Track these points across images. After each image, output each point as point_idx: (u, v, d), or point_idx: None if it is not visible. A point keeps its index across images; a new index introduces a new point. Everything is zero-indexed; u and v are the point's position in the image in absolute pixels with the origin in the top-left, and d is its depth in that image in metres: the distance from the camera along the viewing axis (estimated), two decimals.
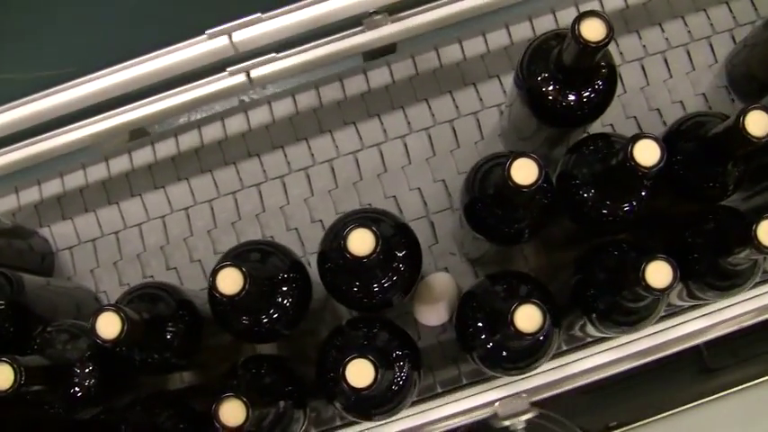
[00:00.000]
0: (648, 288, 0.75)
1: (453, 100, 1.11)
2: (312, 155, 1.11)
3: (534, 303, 0.74)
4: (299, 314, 0.88)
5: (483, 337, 0.85)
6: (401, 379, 0.86)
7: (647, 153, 0.75)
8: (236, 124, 1.12)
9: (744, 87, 1.08)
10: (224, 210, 1.11)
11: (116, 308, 0.77)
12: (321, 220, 1.09)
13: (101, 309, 0.76)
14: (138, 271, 1.10)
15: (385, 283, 0.84)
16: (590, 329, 0.94)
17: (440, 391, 1.04)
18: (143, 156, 1.13)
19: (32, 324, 0.90)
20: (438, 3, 1.07)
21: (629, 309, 0.85)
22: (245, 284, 0.75)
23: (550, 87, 0.85)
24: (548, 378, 1.00)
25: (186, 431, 0.90)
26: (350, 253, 0.74)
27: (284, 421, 0.88)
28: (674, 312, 1.02)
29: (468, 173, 0.88)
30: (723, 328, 1.01)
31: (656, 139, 0.75)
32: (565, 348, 1.03)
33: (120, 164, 1.13)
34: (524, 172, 0.75)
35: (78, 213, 1.12)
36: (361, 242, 0.74)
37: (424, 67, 1.12)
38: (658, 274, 0.75)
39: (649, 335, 1.00)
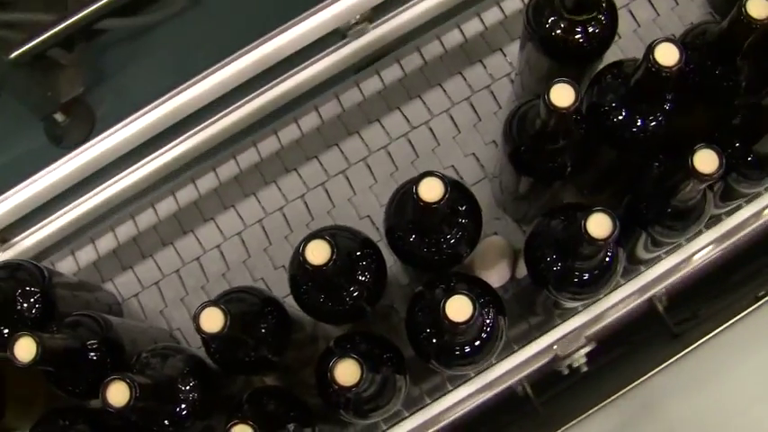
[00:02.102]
0: (697, 174, 0.80)
1: (465, 79, 1.18)
2: (346, 158, 1.17)
3: (604, 211, 0.79)
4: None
5: (555, 264, 0.90)
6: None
7: (667, 55, 0.80)
8: (268, 145, 1.19)
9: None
10: (275, 226, 1.16)
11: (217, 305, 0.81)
12: (369, 216, 1.15)
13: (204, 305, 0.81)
14: (204, 298, 1.14)
15: (452, 236, 0.90)
16: (641, 252, 1.00)
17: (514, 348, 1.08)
18: (186, 194, 1.18)
19: (124, 357, 0.95)
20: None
21: (683, 210, 0.90)
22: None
23: (558, 24, 0.92)
24: (596, 311, 1.05)
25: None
26: (421, 199, 0.79)
27: None
28: None
29: (504, 123, 0.94)
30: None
31: (672, 40, 0.81)
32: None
33: (166, 206, 1.18)
34: (562, 94, 0.81)
35: (136, 261, 1.17)
36: (430, 189, 0.80)
37: (430, 56, 1.19)
38: (706, 161, 0.80)
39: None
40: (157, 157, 1.13)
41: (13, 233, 1.12)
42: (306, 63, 1.13)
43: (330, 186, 1.17)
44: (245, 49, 1.06)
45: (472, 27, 1.20)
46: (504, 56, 1.18)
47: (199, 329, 0.79)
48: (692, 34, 0.95)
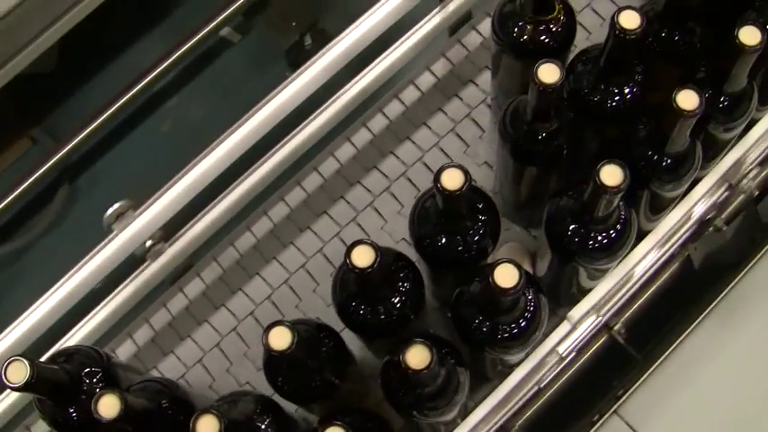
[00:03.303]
0: (680, 111, 0.88)
1: (445, 114, 1.27)
2: (353, 207, 1.24)
3: (614, 162, 0.86)
4: None
5: (577, 232, 0.96)
6: None
7: (630, 19, 0.89)
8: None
9: None
10: (301, 284, 1.22)
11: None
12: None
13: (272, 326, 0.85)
14: (250, 367, 1.18)
15: (476, 230, 0.96)
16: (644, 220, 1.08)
17: None
18: (210, 273, 1.24)
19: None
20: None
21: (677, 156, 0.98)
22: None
23: (525, 28, 1.03)
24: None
25: None
26: (443, 188, 0.86)
27: None
28: None
29: (498, 125, 1.02)
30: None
31: (632, 7, 0.90)
32: None
33: (193, 288, 1.23)
34: (549, 71, 0.89)
35: (175, 344, 1.21)
36: (452, 178, 0.87)
37: (410, 101, 1.29)
38: (687, 99, 0.89)
39: None
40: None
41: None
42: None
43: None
44: None
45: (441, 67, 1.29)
46: (477, 85, 1.28)
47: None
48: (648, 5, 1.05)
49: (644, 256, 1.06)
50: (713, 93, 0.99)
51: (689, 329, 1.13)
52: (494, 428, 1.03)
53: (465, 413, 1.02)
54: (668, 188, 1.01)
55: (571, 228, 0.96)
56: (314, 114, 1.18)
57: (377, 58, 1.21)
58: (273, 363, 0.95)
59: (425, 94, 1.28)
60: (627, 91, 0.99)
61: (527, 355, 1.03)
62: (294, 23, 2.07)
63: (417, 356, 0.83)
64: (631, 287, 1.07)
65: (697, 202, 1.08)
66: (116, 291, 1.14)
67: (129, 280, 1.14)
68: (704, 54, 1.02)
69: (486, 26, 1.31)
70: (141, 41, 2.19)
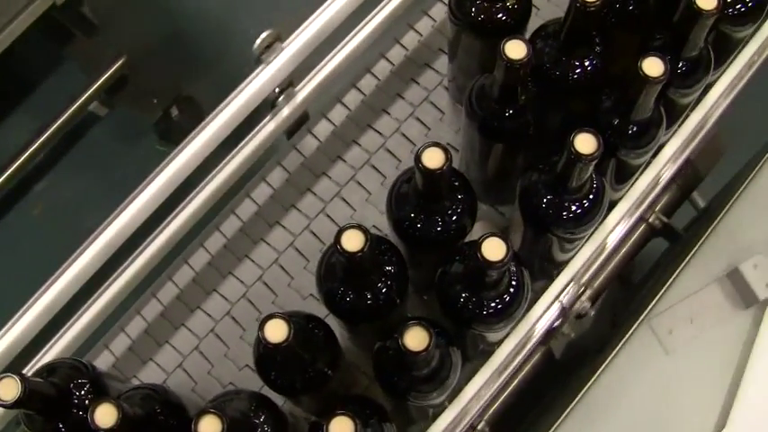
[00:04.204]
0: (646, 78, 0.89)
1: (404, 99, 1.28)
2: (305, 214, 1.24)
3: (588, 131, 0.88)
4: None
5: (552, 202, 0.97)
6: None
7: None
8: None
9: None
10: (276, 279, 1.21)
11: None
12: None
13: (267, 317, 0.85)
14: (233, 368, 1.17)
15: (454, 210, 0.97)
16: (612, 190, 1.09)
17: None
18: (183, 276, 1.22)
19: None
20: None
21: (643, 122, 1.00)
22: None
23: (482, 6, 1.04)
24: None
25: None
26: (425, 167, 0.86)
27: None
28: None
29: (464, 103, 1.03)
30: None
31: None
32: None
33: (166, 292, 1.22)
34: (516, 48, 0.90)
35: (153, 351, 1.19)
36: (432, 156, 0.87)
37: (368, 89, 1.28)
38: (652, 66, 0.90)
39: None
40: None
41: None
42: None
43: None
44: None
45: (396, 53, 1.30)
46: (433, 69, 1.28)
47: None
48: None
49: (618, 223, 1.08)
50: (672, 59, 1.01)
51: (555, 424, 1.12)
52: (484, 406, 1.04)
53: (452, 395, 1.03)
54: (637, 155, 1.02)
55: (546, 199, 0.97)
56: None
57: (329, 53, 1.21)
58: (267, 356, 0.94)
59: (383, 81, 1.28)
60: (590, 62, 1.00)
61: (511, 330, 1.04)
62: (155, 100, 2.06)
63: (416, 338, 0.83)
64: (606, 256, 1.09)
65: (665, 165, 1.10)
66: (84, 306, 1.12)
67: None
68: (662, 20, 1.04)
69: (437, 10, 1.31)
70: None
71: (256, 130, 1.16)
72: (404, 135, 1.25)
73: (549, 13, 1.28)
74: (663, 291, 1.14)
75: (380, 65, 1.29)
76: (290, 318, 0.83)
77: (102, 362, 1.19)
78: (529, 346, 1.05)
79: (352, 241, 0.84)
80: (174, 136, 1.94)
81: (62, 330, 1.10)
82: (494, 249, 0.85)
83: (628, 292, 1.36)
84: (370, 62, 1.29)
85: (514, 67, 0.90)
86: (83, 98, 1.97)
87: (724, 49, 1.12)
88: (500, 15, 1.05)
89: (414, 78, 1.28)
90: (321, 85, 1.20)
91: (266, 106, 1.16)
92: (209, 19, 2.27)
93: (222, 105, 1.09)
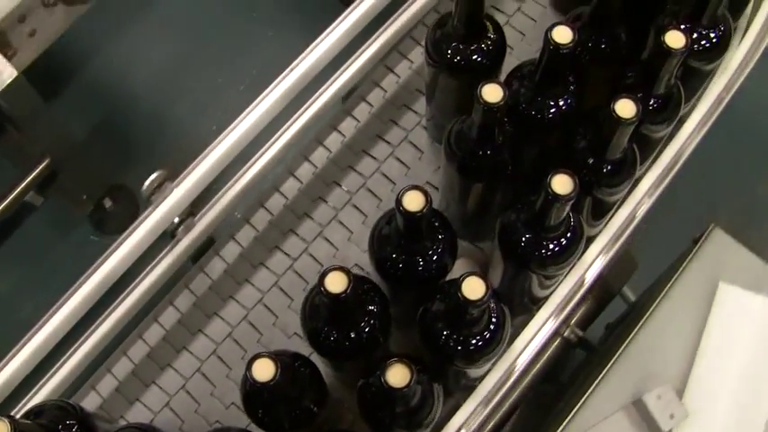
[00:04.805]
0: (619, 120, 0.91)
1: (383, 139, 1.29)
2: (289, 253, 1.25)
3: (564, 172, 0.90)
4: None
5: (530, 242, 0.99)
6: None
7: (562, 34, 0.93)
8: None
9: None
10: (260, 318, 1.22)
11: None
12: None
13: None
14: (220, 407, 1.17)
15: (435, 249, 0.99)
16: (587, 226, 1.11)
17: None
18: (169, 316, 1.23)
19: None
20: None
21: (616, 162, 1.02)
22: None
23: (457, 50, 1.06)
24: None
25: None
26: (405, 209, 0.88)
27: None
28: None
29: (443, 144, 1.05)
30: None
31: (564, 23, 0.93)
32: None
33: (152, 334, 1.22)
34: (492, 92, 0.92)
35: (140, 392, 1.19)
36: (413, 199, 0.89)
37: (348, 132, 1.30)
38: (625, 107, 0.92)
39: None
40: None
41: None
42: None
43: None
44: None
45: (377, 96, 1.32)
46: (411, 109, 1.30)
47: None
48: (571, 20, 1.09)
49: (596, 257, 1.09)
50: (644, 96, 1.03)
51: None
52: None
53: (435, 430, 1.04)
54: (611, 192, 1.04)
55: (524, 238, 0.99)
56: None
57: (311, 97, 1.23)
58: (254, 394, 0.95)
59: (362, 122, 1.30)
60: (564, 102, 1.02)
61: (492, 366, 1.05)
62: (84, 196, 2.03)
63: (398, 375, 0.84)
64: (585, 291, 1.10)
65: (640, 200, 1.11)
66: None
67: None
68: (634, 58, 1.07)
69: (416, 54, 1.34)
70: None
71: (154, 263, 1.16)
72: (384, 174, 1.26)
73: (523, 53, 1.30)
74: (571, 415, 1.14)
75: (360, 107, 1.31)
76: (276, 357, 0.84)
77: (90, 403, 1.19)
78: (511, 380, 1.06)
79: (336, 283, 0.86)
80: (108, 226, 1.93)
81: (50, 373, 1.11)
82: (473, 288, 0.86)
83: (541, 414, 1.37)
84: (351, 105, 1.31)
85: (491, 110, 0.92)
86: (13, 194, 1.89)
87: (693, 83, 1.15)
88: (475, 57, 1.07)
89: (392, 119, 1.29)
90: (226, 209, 1.19)
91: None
92: (139, 108, 2.26)
93: (111, 249, 1.08)
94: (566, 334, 1.21)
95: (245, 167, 1.19)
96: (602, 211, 1.11)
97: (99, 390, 1.20)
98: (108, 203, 1.98)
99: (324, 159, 1.29)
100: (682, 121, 1.15)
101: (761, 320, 1.18)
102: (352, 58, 1.22)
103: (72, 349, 1.12)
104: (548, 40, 0.93)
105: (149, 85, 2.26)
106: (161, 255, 1.15)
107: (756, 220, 2.10)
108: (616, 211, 1.12)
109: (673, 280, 1.20)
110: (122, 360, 1.21)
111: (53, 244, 2.08)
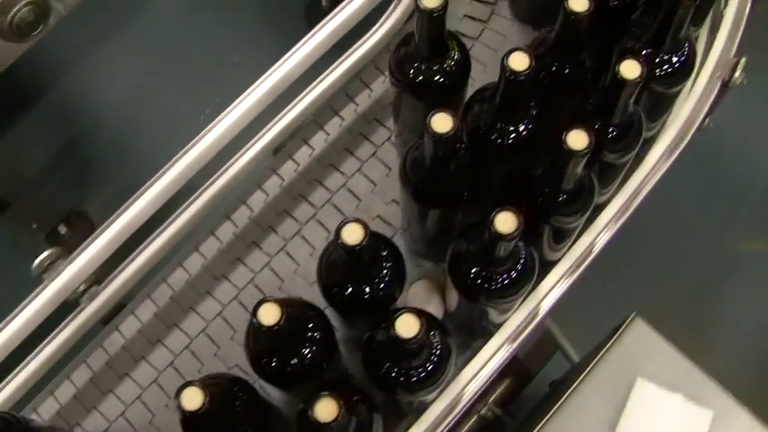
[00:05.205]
0: (571, 151, 0.88)
1: (352, 154, 1.27)
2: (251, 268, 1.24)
3: (508, 209, 0.87)
4: None
5: (479, 274, 0.97)
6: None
7: (518, 61, 0.90)
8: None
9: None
10: (219, 332, 1.21)
11: None
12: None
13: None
14: (173, 418, 1.16)
15: (380, 279, 0.97)
16: (548, 252, 1.09)
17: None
18: (129, 325, 1.22)
19: None
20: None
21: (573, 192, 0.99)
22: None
23: (420, 70, 1.03)
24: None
25: None
26: (343, 243, 0.86)
27: None
28: None
29: (399, 171, 1.02)
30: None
31: (524, 50, 0.91)
32: None
33: (113, 342, 1.21)
34: (442, 122, 0.90)
35: (98, 400, 1.18)
36: (352, 232, 0.87)
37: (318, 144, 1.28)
38: (577, 139, 0.90)
39: None
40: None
41: None
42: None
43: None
44: None
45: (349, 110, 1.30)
46: (382, 124, 1.28)
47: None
48: (534, 46, 1.06)
49: (552, 287, 1.07)
50: (602, 124, 1.00)
51: None
52: None
53: None
54: (568, 221, 1.02)
55: (473, 271, 0.97)
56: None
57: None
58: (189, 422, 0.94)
59: (331, 136, 1.28)
60: (523, 129, 0.99)
61: (440, 393, 1.03)
62: (35, 225, 1.99)
63: (326, 409, 0.82)
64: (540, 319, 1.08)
65: (602, 230, 1.09)
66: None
67: None
68: (593, 86, 1.04)
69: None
70: None
71: (56, 331, 1.14)
72: (350, 190, 1.24)
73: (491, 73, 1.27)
74: None
75: (333, 121, 1.29)
76: (206, 386, 0.83)
77: (46, 409, 1.19)
78: (458, 408, 1.05)
79: (269, 315, 0.84)
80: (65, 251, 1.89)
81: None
82: (407, 325, 0.84)
83: None
84: (323, 119, 1.29)
85: (441, 139, 0.90)
86: None
87: (660, 107, 1.12)
88: (437, 77, 1.04)
89: (362, 133, 1.27)
90: (135, 276, 1.17)
91: None
92: (99, 133, 2.23)
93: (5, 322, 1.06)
94: (482, 412, 1.18)
95: (159, 231, 1.17)
96: (561, 237, 1.08)
97: (57, 396, 1.19)
98: (63, 230, 1.95)
99: (291, 171, 1.27)
100: (650, 144, 1.12)
101: (676, 421, 1.16)
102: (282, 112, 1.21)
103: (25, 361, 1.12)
104: (504, 66, 0.90)
105: (110, 111, 2.23)
106: (63, 323, 1.13)
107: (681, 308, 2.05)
108: (578, 238, 1.10)
109: (590, 368, 1.18)
110: (81, 367, 1.21)
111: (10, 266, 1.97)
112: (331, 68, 1.23)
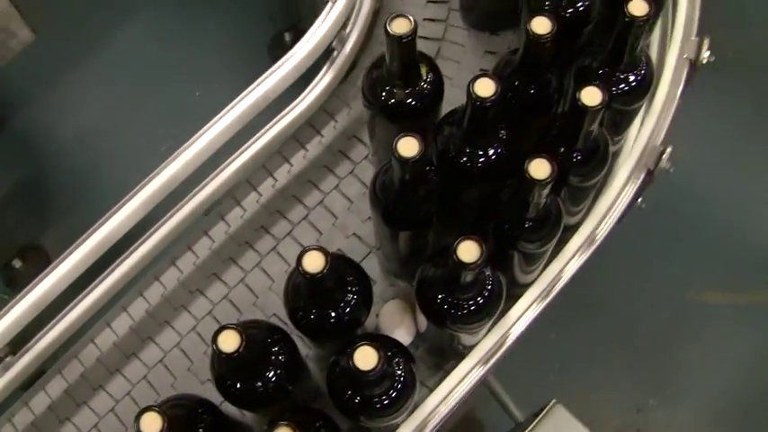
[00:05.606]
0: (534, 181, 0.86)
1: (331, 171, 1.26)
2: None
3: (471, 238, 0.85)
4: None
5: (445, 301, 0.95)
6: None
7: (484, 87, 0.88)
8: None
9: None
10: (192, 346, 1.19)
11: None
12: None
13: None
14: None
15: (345, 304, 0.95)
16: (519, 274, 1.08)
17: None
18: (121, 323, 1.21)
19: None
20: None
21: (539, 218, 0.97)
22: None
23: (392, 93, 1.02)
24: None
25: None
26: (304, 270, 0.85)
27: None
28: None
29: (369, 193, 1.01)
30: None
31: (490, 75, 0.89)
32: None
33: (104, 338, 1.20)
34: (408, 146, 0.88)
35: (88, 396, 1.18)
36: (312, 261, 0.85)
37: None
38: (539, 168, 0.88)
39: None
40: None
41: None
42: None
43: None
44: None
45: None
46: (360, 141, 1.26)
47: None
48: (499, 68, 1.05)
49: (522, 314, 1.05)
50: (566, 149, 0.98)
51: None
52: None
53: None
54: (535, 247, 1.00)
55: (440, 297, 0.95)
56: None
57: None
58: None
59: (310, 151, 1.27)
60: (490, 153, 0.98)
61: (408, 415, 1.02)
62: None
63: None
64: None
65: (570, 258, 1.07)
66: None
67: None
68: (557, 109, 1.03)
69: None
70: None
71: None
72: (326, 207, 1.23)
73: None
74: None
75: (308, 134, 1.28)
76: (165, 410, 0.83)
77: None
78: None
79: (229, 342, 0.83)
80: (19, 284, 1.88)
81: None
82: (366, 358, 0.83)
83: None
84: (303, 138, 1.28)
85: (408, 163, 0.88)
86: None
87: (620, 123, 1.10)
88: (410, 100, 1.02)
89: (341, 150, 1.26)
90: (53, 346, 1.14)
91: None
92: (60, 166, 2.20)
93: None
94: None
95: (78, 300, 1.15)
96: (531, 261, 1.06)
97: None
98: (18, 264, 1.93)
99: (269, 188, 1.25)
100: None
101: None
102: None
103: None
104: (470, 93, 0.89)
105: (69, 145, 2.20)
106: None
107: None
108: (550, 260, 1.08)
109: None
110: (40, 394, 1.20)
111: None
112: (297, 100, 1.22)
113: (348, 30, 1.23)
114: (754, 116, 2.19)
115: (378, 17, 1.30)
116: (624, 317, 2.03)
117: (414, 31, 0.91)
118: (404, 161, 0.88)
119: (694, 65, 1.12)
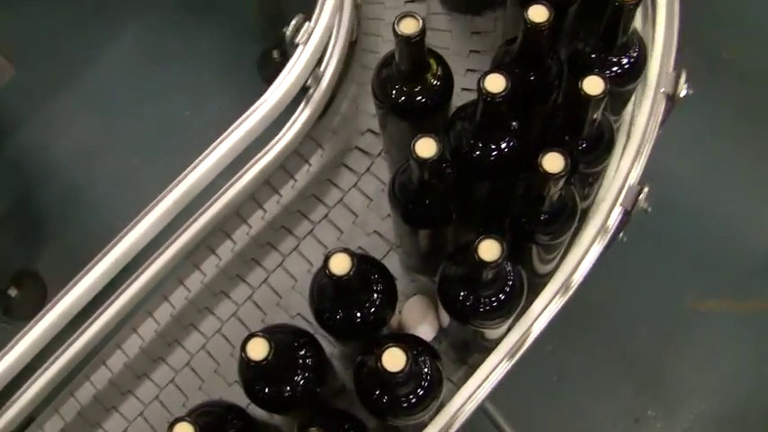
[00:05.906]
0: (548, 175, 0.87)
1: (348, 167, 1.26)
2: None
3: (491, 237, 0.85)
4: None
5: (468, 298, 0.95)
6: None
7: (495, 83, 0.88)
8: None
9: None
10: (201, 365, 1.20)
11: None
12: None
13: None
14: None
15: (370, 303, 0.96)
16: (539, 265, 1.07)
17: None
18: (132, 343, 1.21)
19: None
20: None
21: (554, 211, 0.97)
22: None
23: (402, 91, 1.01)
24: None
25: None
26: (330, 272, 0.85)
27: None
28: None
29: (388, 192, 1.01)
30: None
31: (499, 71, 0.89)
32: None
33: (116, 360, 1.21)
34: (426, 147, 0.88)
35: (102, 417, 1.18)
36: (339, 263, 0.86)
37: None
38: (553, 162, 0.87)
39: None
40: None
41: None
42: None
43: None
44: None
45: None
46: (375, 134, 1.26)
47: None
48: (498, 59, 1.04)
49: (545, 307, 1.05)
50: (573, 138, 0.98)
51: None
52: None
53: None
54: (551, 239, 1.00)
55: (462, 294, 0.95)
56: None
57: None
58: None
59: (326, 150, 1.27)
60: (503, 147, 0.97)
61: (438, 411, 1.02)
62: None
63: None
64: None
65: (590, 245, 1.07)
66: None
67: None
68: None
69: None
70: None
71: None
72: (346, 205, 1.23)
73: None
74: None
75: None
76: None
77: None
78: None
79: (258, 350, 0.84)
80: (16, 312, 1.84)
81: None
82: (394, 360, 0.83)
83: None
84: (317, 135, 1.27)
85: (426, 163, 0.88)
86: None
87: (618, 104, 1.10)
88: (420, 98, 1.01)
89: (358, 146, 1.26)
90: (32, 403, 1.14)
91: None
92: (50, 189, 2.18)
93: None
94: None
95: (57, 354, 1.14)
96: (550, 251, 1.06)
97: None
98: (14, 292, 1.90)
99: (289, 188, 1.25)
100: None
101: None
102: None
103: None
104: (481, 89, 0.88)
105: (61, 166, 2.17)
106: None
107: None
108: (569, 248, 1.08)
109: None
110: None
111: None
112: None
113: (323, 68, 1.21)
114: (752, 123, 2.16)
115: (353, 49, 1.29)
116: (621, 327, 2.01)
117: (422, 31, 0.90)
118: (422, 162, 0.88)
119: (672, 99, 1.10)
